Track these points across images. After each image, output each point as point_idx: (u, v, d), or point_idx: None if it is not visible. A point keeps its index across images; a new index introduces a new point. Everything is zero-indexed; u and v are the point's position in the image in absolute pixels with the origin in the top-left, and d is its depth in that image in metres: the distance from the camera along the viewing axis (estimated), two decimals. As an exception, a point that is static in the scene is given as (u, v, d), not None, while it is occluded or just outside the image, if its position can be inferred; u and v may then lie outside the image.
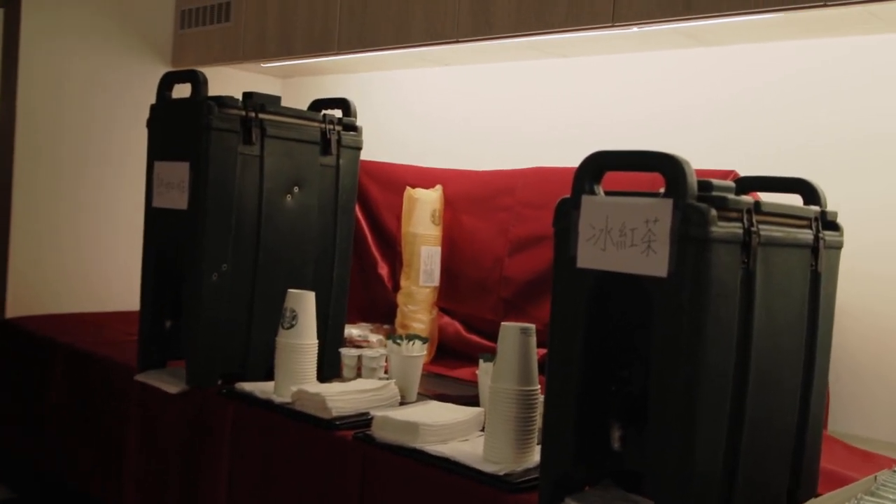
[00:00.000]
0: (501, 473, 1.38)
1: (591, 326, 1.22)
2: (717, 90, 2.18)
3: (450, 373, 2.28)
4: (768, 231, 1.21)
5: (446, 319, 2.49)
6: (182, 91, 1.97)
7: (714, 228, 1.11)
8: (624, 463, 1.27)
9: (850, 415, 1.92)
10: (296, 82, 3.22)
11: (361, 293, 2.64)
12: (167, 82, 2.00)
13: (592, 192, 1.22)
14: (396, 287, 2.56)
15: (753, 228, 1.18)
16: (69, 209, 2.87)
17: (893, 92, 1.91)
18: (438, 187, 2.50)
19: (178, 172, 1.92)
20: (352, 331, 2.37)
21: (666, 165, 1.14)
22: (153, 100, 2.02)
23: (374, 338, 2.45)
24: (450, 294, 2.49)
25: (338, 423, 1.66)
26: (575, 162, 2.30)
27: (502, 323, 1.47)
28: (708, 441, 1.14)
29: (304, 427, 1.69)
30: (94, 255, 2.92)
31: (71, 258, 2.87)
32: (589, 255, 1.21)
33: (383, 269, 2.62)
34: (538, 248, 2.31)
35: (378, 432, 1.57)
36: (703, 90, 2.20)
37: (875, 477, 1.30)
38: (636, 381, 1.24)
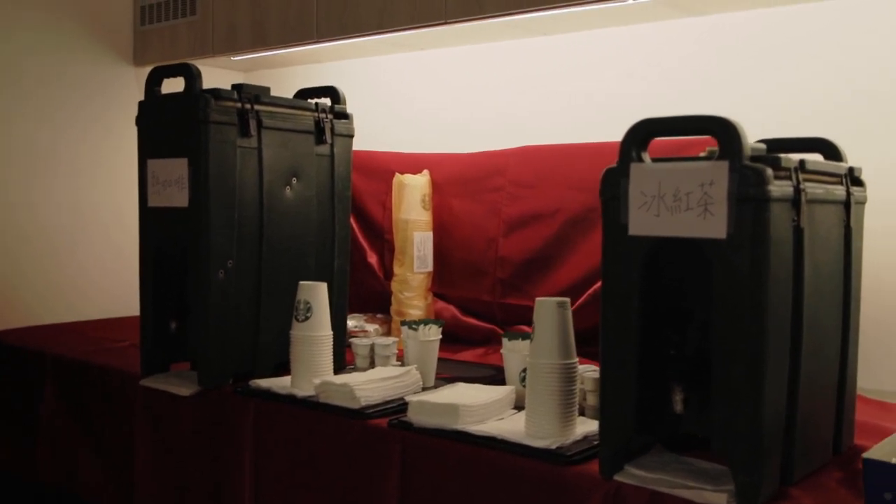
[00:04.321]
0: (554, 447, 1.38)
1: (645, 293, 1.23)
2: (705, 60, 2.21)
3: (453, 357, 2.27)
4: (812, 188, 1.24)
5: (441, 304, 2.48)
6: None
7: (771, 187, 1.13)
8: (680, 427, 1.28)
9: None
10: (259, 75, 3.16)
11: (352, 284, 2.60)
12: (156, 78, 1.94)
13: (640, 160, 1.23)
14: (387, 275, 2.54)
15: (801, 186, 1.20)
16: (41, 216, 2.77)
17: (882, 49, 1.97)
18: (426, 172, 2.48)
19: (175, 169, 1.87)
20: (347, 322, 2.35)
21: (719, 128, 1.15)
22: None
23: (369, 328, 2.43)
24: (444, 279, 2.48)
25: (368, 411, 1.64)
26: (565, 139, 2.34)
27: (537, 298, 1.47)
28: (773, 400, 1.17)
29: (332, 419, 1.66)
30: (66, 262, 2.82)
31: (46, 267, 2.77)
32: (642, 222, 1.21)
33: (372, 258, 2.60)
34: (533, 227, 2.32)
35: (415, 417, 1.56)
36: (691, 61, 2.23)
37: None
38: (690, 344, 1.26)
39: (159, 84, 1.95)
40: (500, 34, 2.42)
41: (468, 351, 2.31)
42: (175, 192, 1.88)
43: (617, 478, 1.27)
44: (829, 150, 1.46)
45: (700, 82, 2.21)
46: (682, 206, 1.18)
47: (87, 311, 2.81)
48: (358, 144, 2.65)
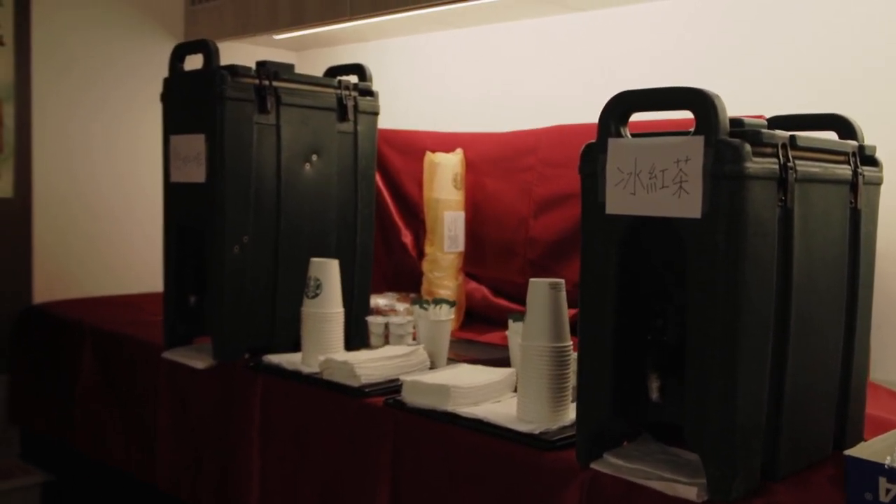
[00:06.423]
0: (537, 432, 1.34)
1: (623, 275, 1.18)
2: (744, 33, 2.11)
3: (479, 338, 2.24)
4: (805, 167, 1.16)
5: (473, 285, 2.45)
6: (194, 65, 1.94)
7: (749, 164, 1.06)
8: (662, 415, 1.23)
9: (893, 362, 1.86)
10: (311, 54, 3.18)
11: (386, 263, 2.61)
12: (179, 54, 1.97)
13: (619, 135, 1.17)
14: (421, 255, 2.52)
15: (790, 164, 1.12)
16: (88, 191, 2.85)
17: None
18: (459, 151, 2.45)
19: (194, 145, 1.89)
20: (378, 301, 2.34)
21: (695, 101, 1.09)
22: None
23: (400, 307, 2.41)
24: (475, 259, 2.45)
25: (367, 390, 1.63)
26: (597, 118, 2.27)
27: (531, 279, 1.43)
28: (750, 389, 1.10)
29: (333, 396, 1.66)
30: (117, 236, 2.90)
31: (95, 241, 2.86)
32: (618, 201, 1.16)
33: (407, 238, 2.59)
34: (563, 207, 2.26)
35: (408, 397, 1.54)
36: (729, 35, 2.13)
37: (926, 419, 1.26)
38: (672, 329, 1.20)
39: (182, 60, 1.97)
40: (534, 10, 2.36)
41: (496, 332, 2.27)
42: (194, 168, 1.90)
43: (593, 466, 1.23)
44: (844, 126, 1.36)
45: (741, 56, 2.11)
46: (657, 184, 1.12)
47: (134, 285, 2.88)
48: (399, 123, 2.65)
